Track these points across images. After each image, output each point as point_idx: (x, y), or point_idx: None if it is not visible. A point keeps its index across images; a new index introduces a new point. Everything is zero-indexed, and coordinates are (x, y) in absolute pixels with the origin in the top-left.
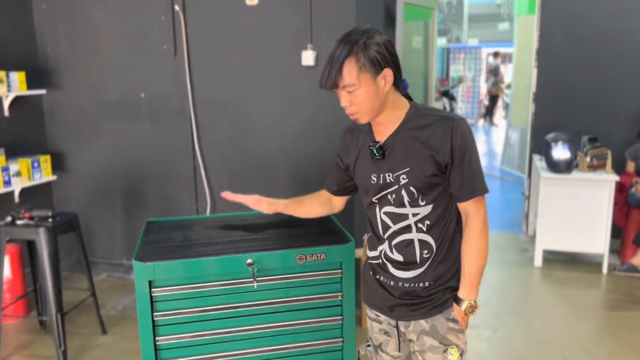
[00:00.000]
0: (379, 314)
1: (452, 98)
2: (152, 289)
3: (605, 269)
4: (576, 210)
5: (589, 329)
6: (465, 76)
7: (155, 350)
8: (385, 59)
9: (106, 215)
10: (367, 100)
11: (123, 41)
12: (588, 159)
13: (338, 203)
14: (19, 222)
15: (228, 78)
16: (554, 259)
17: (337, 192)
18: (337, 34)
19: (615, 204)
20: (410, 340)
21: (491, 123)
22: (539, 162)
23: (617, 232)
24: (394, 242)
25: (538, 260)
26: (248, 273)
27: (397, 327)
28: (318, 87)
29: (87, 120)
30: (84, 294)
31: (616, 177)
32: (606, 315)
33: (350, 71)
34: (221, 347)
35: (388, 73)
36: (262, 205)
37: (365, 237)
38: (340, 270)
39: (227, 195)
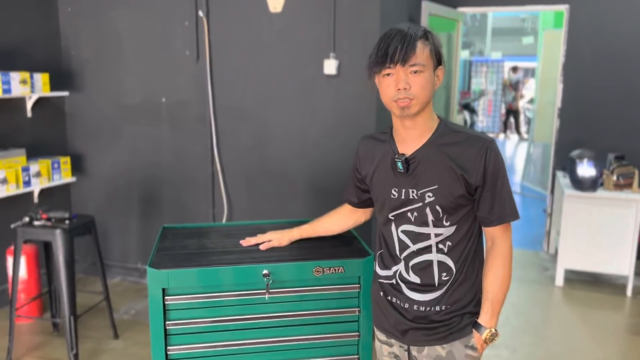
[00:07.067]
0: (390, 338)
1: (473, 111)
2: (166, 297)
3: (629, 292)
4: (600, 229)
5: (612, 353)
6: (487, 89)
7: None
8: (442, 57)
9: (122, 219)
10: (426, 88)
11: (146, 46)
12: (614, 178)
13: (363, 214)
14: (36, 222)
15: (249, 85)
16: (576, 278)
17: (358, 205)
18: (360, 44)
19: None
20: None
21: (506, 137)
22: (562, 179)
23: None
24: (412, 262)
25: (559, 280)
26: (263, 284)
27: (408, 351)
28: (376, 65)
29: (107, 124)
30: (97, 297)
31: None
32: (630, 339)
33: (422, 50)
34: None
35: (441, 72)
36: (274, 243)
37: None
38: (358, 285)
39: (246, 242)
